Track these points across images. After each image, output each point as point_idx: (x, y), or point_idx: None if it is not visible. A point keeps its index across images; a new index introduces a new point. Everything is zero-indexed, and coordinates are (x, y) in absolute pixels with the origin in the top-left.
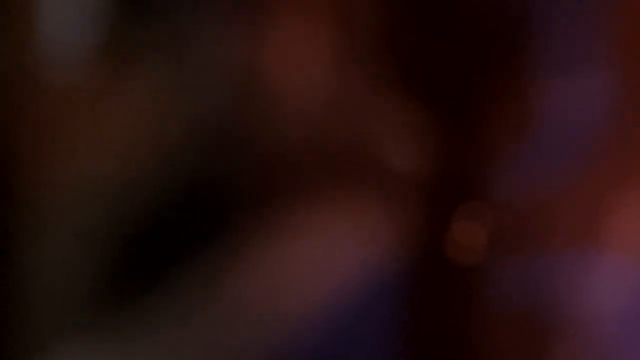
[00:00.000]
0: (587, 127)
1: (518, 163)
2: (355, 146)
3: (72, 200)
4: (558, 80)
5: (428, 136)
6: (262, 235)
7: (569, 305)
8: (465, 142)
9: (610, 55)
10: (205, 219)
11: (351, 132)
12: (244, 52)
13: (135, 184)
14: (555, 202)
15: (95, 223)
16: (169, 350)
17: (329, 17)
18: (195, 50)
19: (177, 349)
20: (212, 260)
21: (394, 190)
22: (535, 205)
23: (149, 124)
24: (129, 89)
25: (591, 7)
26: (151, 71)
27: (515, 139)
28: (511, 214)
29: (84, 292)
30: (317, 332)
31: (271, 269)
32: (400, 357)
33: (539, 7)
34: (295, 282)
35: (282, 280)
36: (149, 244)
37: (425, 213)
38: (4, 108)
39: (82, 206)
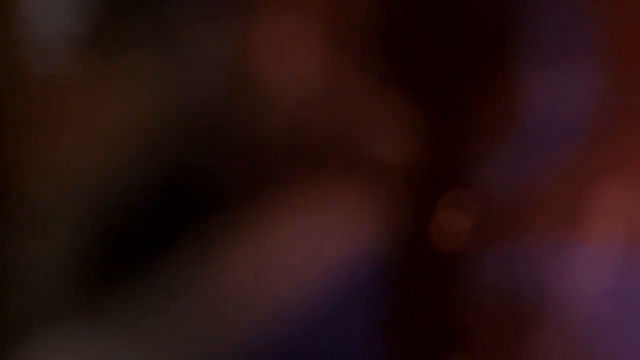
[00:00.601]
0: (571, 117)
1: (502, 151)
2: (342, 135)
3: (57, 189)
4: (543, 71)
5: (414, 125)
6: (248, 225)
7: (552, 291)
8: (450, 130)
9: (595, 48)
10: (193, 209)
11: (338, 122)
12: (234, 43)
13: (122, 174)
14: (538, 189)
15: (80, 212)
16: (154, 339)
17: (319, 9)
18: (184, 42)
19: (162, 338)
20: (198, 250)
21: (380, 178)
22: (518, 192)
23: (137, 115)
24: (117, 80)
25: (580, 3)
26: (139, 63)
27: (500, 127)
28: (495, 201)
29: (67, 280)
30: (303, 319)
31: (258, 258)
32: (386, 343)
33: (527, 2)
34: (281, 270)
35: (269, 268)
36: (134, 232)
37: (410, 200)
38: None
39: (67, 196)
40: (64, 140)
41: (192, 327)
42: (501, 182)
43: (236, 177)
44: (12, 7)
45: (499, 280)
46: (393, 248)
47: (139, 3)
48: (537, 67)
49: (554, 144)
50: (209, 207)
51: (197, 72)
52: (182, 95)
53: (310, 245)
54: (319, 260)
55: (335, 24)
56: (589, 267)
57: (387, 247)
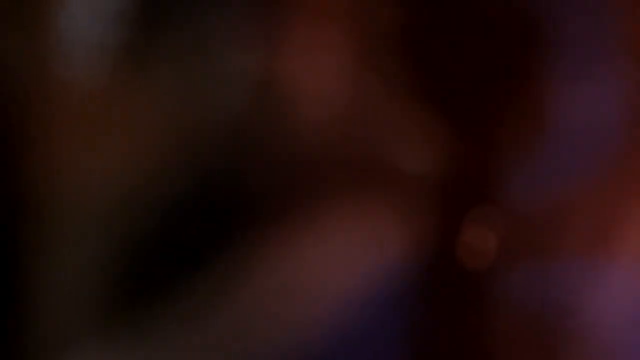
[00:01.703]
0: (602, 134)
1: (531, 168)
2: (370, 150)
3: (83, 202)
4: (574, 85)
5: (441, 140)
6: (276, 241)
7: (579, 311)
8: (478, 146)
9: (627, 61)
10: (219, 224)
11: (366, 137)
12: (261, 58)
13: (151, 187)
14: (567, 207)
15: (106, 227)
16: (180, 355)
17: (346, 24)
18: (213, 54)
19: (188, 354)
20: (225, 265)
21: (407, 193)
22: (547, 210)
23: (167, 128)
24: (147, 92)
25: (608, 12)
26: (170, 75)
27: (529, 144)
28: (523, 219)
29: (93, 296)
30: (331, 336)
31: (285, 274)
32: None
33: (555, 12)
34: (309, 286)
35: (296, 284)
36: (161, 247)
37: (438, 217)
38: (20, 108)
39: (94, 209)
40: (94, 151)
41: (223, 345)
42: (529, 198)
43: (265, 191)
44: (46, 17)
45: (525, 298)
46: (419, 264)
47: (169, 15)
48: (568, 82)
49: (585, 158)
50: (238, 223)
51: (226, 85)
52: (211, 108)
53: (338, 261)
54: (346, 276)
55: (362, 37)
56: (618, 287)
57: (413, 263)
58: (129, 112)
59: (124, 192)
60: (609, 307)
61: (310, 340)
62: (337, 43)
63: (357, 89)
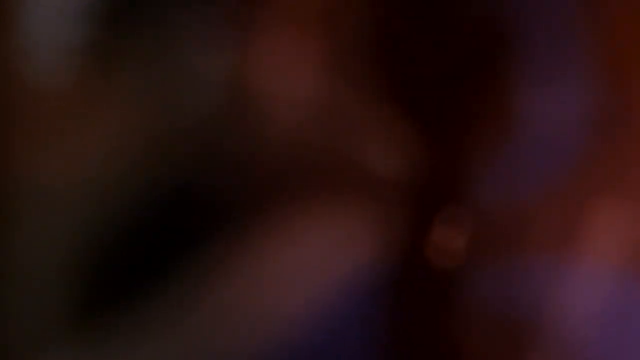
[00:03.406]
0: (568, 135)
1: (498, 169)
2: (340, 153)
3: (57, 203)
4: (539, 88)
5: (411, 141)
6: (248, 242)
7: (547, 310)
8: (447, 147)
9: (593, 64)
10: (193, 224)
11: (334, 138)
12: (231, 59)
13: (122, 187)
14: (534, 206)
15: (82, 227)
16: (159, 356)
17: (317, 26)
18: (181, 56)
19: (167, 354)
20: (200, 266)
21: (376, 195)
22: (514, 210)
23: (136, 128)
24: (114, 94)
25: (574, 17)
26: (138, 76)
27: (496, 145)
28: (491, 218)
29: (71, 297)
30: (302, 337)
31: (258, 274)
32: (383, 358)
33: (522, 17)
34: (281, 286)
35: (268, 285)
36: (137, 247)
37: (406, 217)
38: None
39: (68, 210)
40: (59, 154)
41: (198, 344)
42: (497, 199)
43: (235, 193)
44: (9, 18)
45: (494, 297)
46: (389, 265)
47: (137, 17)
48: (533, 83)
49: (551, 160)
50: (207, 225)
51: (194, 88)
52: (181, 109)
53: (310, 263)
54: (318, 277)
55: (332, 40)
56: (585, 285)
57: (382, 263)
58: (96, 113)
59: (95, 192)
60: (576, 305)
61: (284, 340)
62: (307, 45)
63: (327, 92)
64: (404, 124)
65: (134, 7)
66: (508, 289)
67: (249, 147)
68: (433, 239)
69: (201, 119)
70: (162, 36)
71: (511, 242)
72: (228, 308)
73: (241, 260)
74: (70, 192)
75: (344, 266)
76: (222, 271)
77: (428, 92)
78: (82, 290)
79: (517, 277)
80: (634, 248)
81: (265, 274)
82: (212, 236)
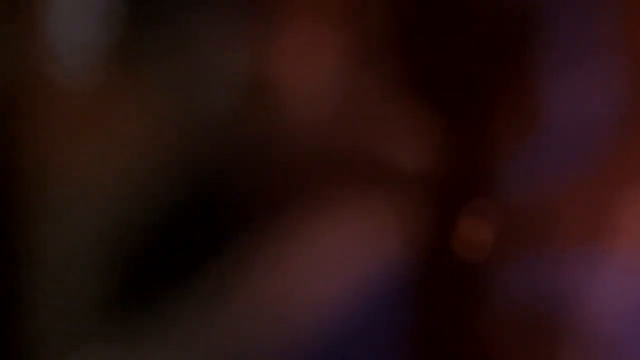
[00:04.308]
0: (596, 125)
1: (526, 161)
2: (365, 146)
3: (80, 204)
4: (567, 78)
5: (436, 135)
6: (272, 239)
7: (576, 303)
8: (473, 140)
9: (620, 52)
10: (215, 223)
11: (358, 132)
12: (254, 56)
13: (149, 185)
14: (563, 200)
15: (104, 227)
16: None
17: (338, 21)
18: (204, 54)
19: (194, 351)
20: (222, 265)
21: (402, 188)
22: (542, 203)
23: (160, 125)
24: (137, 91)
25: (599, 6)
26: (160, 73)
27: (524, 137)
28: (519, 211)
29: (93, 297)
30: (328, 332)
31: (282, 272)
32: (409, 355)
33: (547, 6)
34: (306, 284)
35: (293, 283)
36: (158, 248)
37: (433, 211)
38: (11, 110)
39: (97, 208)
40: (85, 150)
41: (220, 344)
42: (524, 192)
43: (259, 190)
44: (35, 17)
45: (522, 291)
46: (416, 259)
47: (159, 14)
48: (561, 75)
49: (579, 150)
50: (233, 222)
51: (217, 84)
52: (203, 106)
53: (336, 259)
54: (345, 273)
55: (354, 32)
56: (615, 278)
57: (410, 258)
58: (119, 112)
59: (122, 190)
60: (606, 298)
61: (311, 335)
62: (328, 40)
63: (349, 86)
64: (429, 118)
65: (155, 5)
66: (536, 282)
67: (272, 142)
68: (460, 233)
69: (225, 114)
70: (184, 33)
71: (539, 235)
72: (255, 304)
73: (267, 257)
74: (98, 190)
75: (371, 260)
76: (249, 268)
77: (453, 84)
78: (110, 289)
79: (545, 271)
80: None
81: (291, 270)
82: (238, 233)
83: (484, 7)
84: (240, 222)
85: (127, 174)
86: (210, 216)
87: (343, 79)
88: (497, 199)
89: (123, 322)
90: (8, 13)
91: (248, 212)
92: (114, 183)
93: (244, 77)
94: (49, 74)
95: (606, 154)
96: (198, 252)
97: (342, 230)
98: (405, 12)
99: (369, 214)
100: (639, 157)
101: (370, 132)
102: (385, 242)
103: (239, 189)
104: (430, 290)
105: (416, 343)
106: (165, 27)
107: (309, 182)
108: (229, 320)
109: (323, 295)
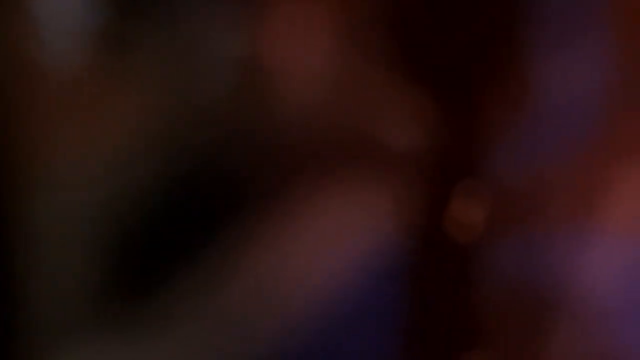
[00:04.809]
0: (586, 104)
1: (516, 140)
2: (358, 127)
3: (74, 195)
4: (557, 57)
5: (427, 115)
6: (266, 224)
7: (567, 281)
8: (464, 120)
9: (610, 31)
10: (211, 212)
11: (350, 113)
12: (245, 40)
13: (138, 177)
14: (553, 178)
15: (104, 213)
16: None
17: (331, 3)
18: (194, 36)
19: (185, 347)
20: (218, 254)
21: (393, 169)
22: (533, 182)
23: (153, 109)
24: (127, 76)
25: None
26: (149, 58)
27: (514, 116)
28: (509, 191)
29: (89, 292)
30: (323, 311)
31: (277, 255)
32: (402, 334)
33: None
34: (301, 264)
35: (288, 263)
36: (154, 238)
37: (425, 191)
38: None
39: (84, 202)
40: (72, 136)
41: (216, 335)
42: (515, 171)
43: (254, 173)
44: (23, 4)
45: (514, 270)
46: (408, 239)
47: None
48: (551, 54)
49: (569, 129)
50: (229, 210)
51: (207, 67)
52: (193, 90)
53: (330, 239)
54: (338, 253)
55: (346, 14)
56: (604, 255)
57: (402, 238)
58: (113, 96)
59: (111, 180)
60: (596, 276)
61: (306, 315)
62: (321, 22)
63: (342, 68)
64: (420, 97)
65: None
66: (528, 261)
67: (266, 125)
68: (451, 213)
69: (218, 97)
70: (175, 16)
71: (531, 214)
72: (252, 290)
73: (263, 240)
74: (91, 176)
75: (364, 240)
76: (245, 252)
77: (445, 67)
78: (107, 279)
79: (537, 250)
80: None
81: (287, 252)
82: (234, 217)
83: None
84: (234, 206)
85: (122, 157)
86: (206, 202)
87: (336, 61)
88: (489, 179)
89: (122, 311)
90: None
91: (242, 195)
92: (106, 171)
93: (236, 61)
94: (39, 60)
95: (596, 133)
96: (194, 239)
97: (335, 210)
98: None
99: (362, 194)
100: (629, 136)
101: (363, 114)
102: (377, 222)
103: (233, 173)
104: (423, 269)
105: (409, 321)
106: (157, 11)
107: (302, 164)
108: (227, 305)
109: (317, 275)
